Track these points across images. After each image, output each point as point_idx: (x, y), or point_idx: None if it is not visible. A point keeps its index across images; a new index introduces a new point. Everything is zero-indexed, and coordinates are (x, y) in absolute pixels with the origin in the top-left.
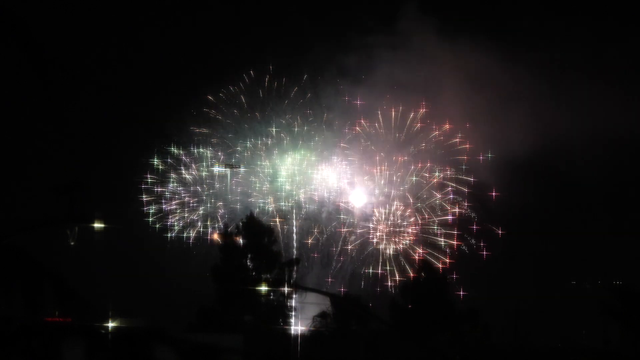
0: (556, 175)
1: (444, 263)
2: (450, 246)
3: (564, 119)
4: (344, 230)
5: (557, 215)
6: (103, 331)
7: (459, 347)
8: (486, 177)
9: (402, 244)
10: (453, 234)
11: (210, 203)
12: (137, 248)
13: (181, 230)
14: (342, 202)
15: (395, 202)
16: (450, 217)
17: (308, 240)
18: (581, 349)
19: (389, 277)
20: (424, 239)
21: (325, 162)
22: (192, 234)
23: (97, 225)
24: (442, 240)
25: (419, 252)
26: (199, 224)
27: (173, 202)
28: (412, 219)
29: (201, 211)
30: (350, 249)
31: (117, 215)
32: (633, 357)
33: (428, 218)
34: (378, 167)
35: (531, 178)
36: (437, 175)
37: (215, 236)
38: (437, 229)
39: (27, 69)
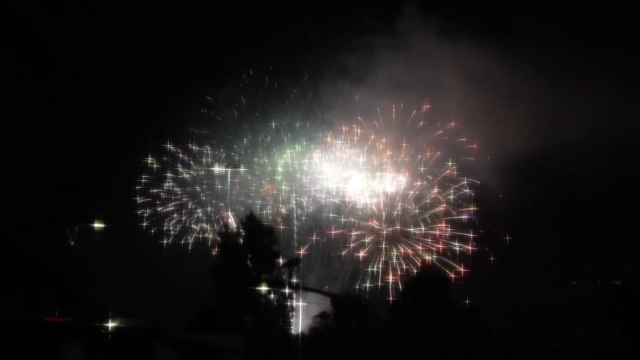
0: (556, 175)
1: (457, 273)
2: (463, 252)
3: (563, 119)
4: (340, 232)
5: (557, 215)
6: (103, 331)
7: (459, 347)
8: (486, 177)
9: (415, 253)
10: (460, 238)
11: (210, 204)
12: (137, 248)
13: (180, 232)
14: (343, 205)
15: (399, 204)
16: (465, 217)
17: (300, 251)
18: (581, 349)
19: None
20: (436, 244)
21: (324, 161)
22: (191, 235)
23: (97, 225)
24: (456, 245)
25: (429, 260)
26: (199, 224)
27: (171, 204)
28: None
29: (200, 212)
30: (348, 254)
31: (117, 215)
32: (633, 357)
33: (440, 219)
34: (379, 166)
35: (531, 179)
36: (450, 166)
37: (217, 233)
38: (451, 231)
39: (26, 69)
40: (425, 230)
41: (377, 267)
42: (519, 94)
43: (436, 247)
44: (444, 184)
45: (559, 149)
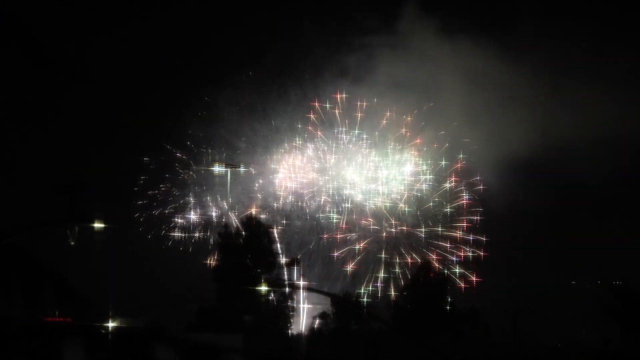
0: (556, 175)
1: (468, 283)
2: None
3: (564, 119)
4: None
5: (558, 215)
6: (103, 331)
7: (459, 347)
8: (487, 177)
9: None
10: (465, 241)
11: (210, 204)
12: (137, 248)
13: (180, 232)
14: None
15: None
16: (477, 218)
17: (298, 255)
18: (581, 349)
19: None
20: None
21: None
22: (192, 235)
23: (97, 225)
24: (469, 252)
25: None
26: (199, 224)
27: (171, 204)
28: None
29: (200, 213)
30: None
31: (118, 215)
32: (633, 357)
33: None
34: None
35: (531, 179)
36: (461, 159)
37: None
38: (466, 235)
39: (27, 70)
40: (429, 232)
41: (374, 287)
42: (521, 94)
43: (443, 254)
44: (452, 182)
45: (559, 149)
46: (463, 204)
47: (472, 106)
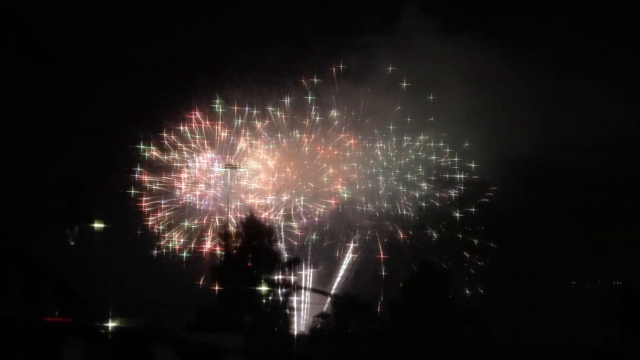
0: (556, 175)
1: (476, 293)
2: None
3: (564, 119)
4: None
5: (558, 215)
6: (103, 331)
7: (459, 347)
8: (486, 177)
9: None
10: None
11: (210, 204)
12: (137, 248)
13: (180, 232)
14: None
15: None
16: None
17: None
18: (581, 349)
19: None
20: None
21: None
22: (192, 235)
23: (97, 225)
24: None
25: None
26: (199, 224)
27: (171, 205)
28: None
29: (200, 213)
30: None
31: (118, 215)
32: (633, 357)
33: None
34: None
35: (531, 179)
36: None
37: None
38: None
39: (26, 69)
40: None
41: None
42: (521, 94)
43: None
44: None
45: (559, 149)
46: (486, 202)
47: (476, 105)
